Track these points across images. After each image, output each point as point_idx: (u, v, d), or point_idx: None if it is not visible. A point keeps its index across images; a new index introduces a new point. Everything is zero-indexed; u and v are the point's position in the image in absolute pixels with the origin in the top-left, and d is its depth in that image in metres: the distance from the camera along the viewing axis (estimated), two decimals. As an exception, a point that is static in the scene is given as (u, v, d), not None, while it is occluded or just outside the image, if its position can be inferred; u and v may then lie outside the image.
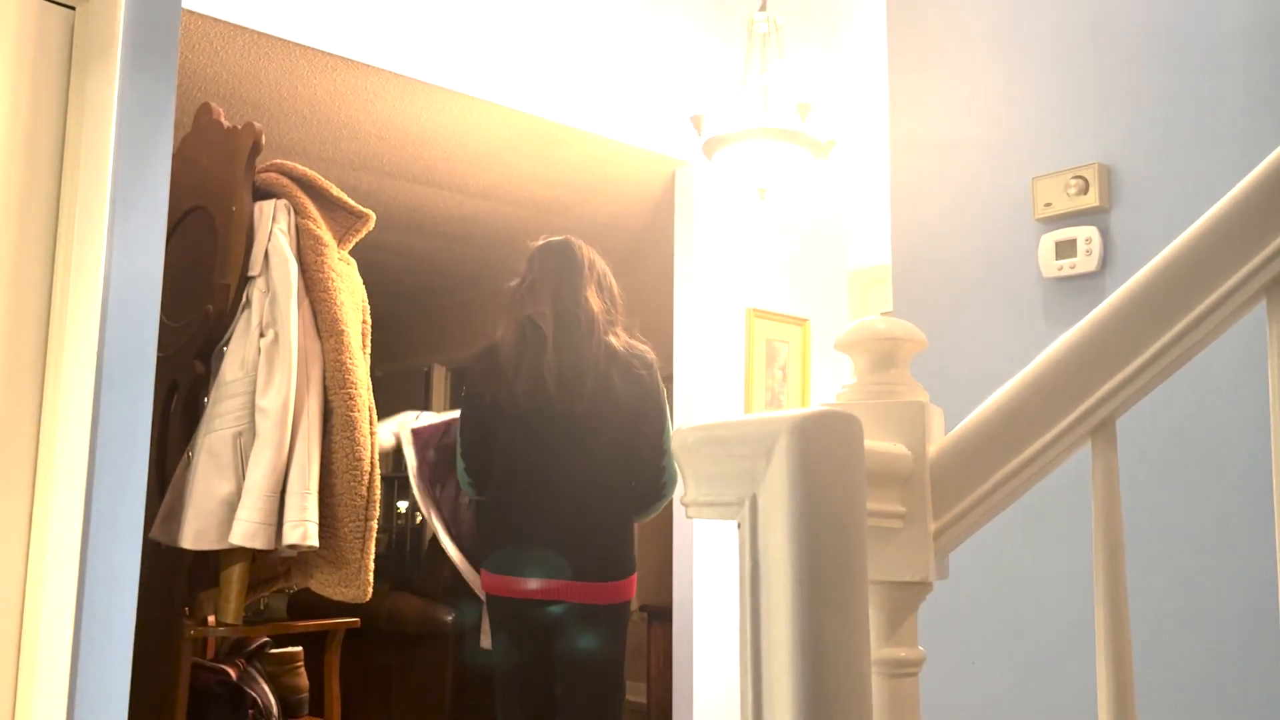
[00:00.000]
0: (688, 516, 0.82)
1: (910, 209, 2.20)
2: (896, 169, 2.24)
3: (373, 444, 2.82)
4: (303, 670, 3.24)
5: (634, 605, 3.99)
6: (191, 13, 2.92)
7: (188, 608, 2.83)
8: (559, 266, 2.72)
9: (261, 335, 2.70)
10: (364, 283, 3.01)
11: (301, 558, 2.84)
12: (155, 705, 2.68)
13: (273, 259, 2.76)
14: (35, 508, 2.21)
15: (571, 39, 3.81)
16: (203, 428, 2.69)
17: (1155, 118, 1.86)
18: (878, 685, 0.82)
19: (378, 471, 2.81)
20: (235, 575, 2.76)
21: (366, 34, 3.28)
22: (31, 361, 2.22)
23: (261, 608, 3.11)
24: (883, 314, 1.39)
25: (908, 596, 0.84)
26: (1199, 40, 1.82)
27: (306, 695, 3.21)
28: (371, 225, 2.99)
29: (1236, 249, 0.79)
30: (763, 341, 4.31)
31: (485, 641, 2.86)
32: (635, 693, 4.81)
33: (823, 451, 0.70)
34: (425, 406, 7.15)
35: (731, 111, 3.46)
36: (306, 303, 2.79)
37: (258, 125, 2.81)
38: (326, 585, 2.80)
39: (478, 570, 2.77)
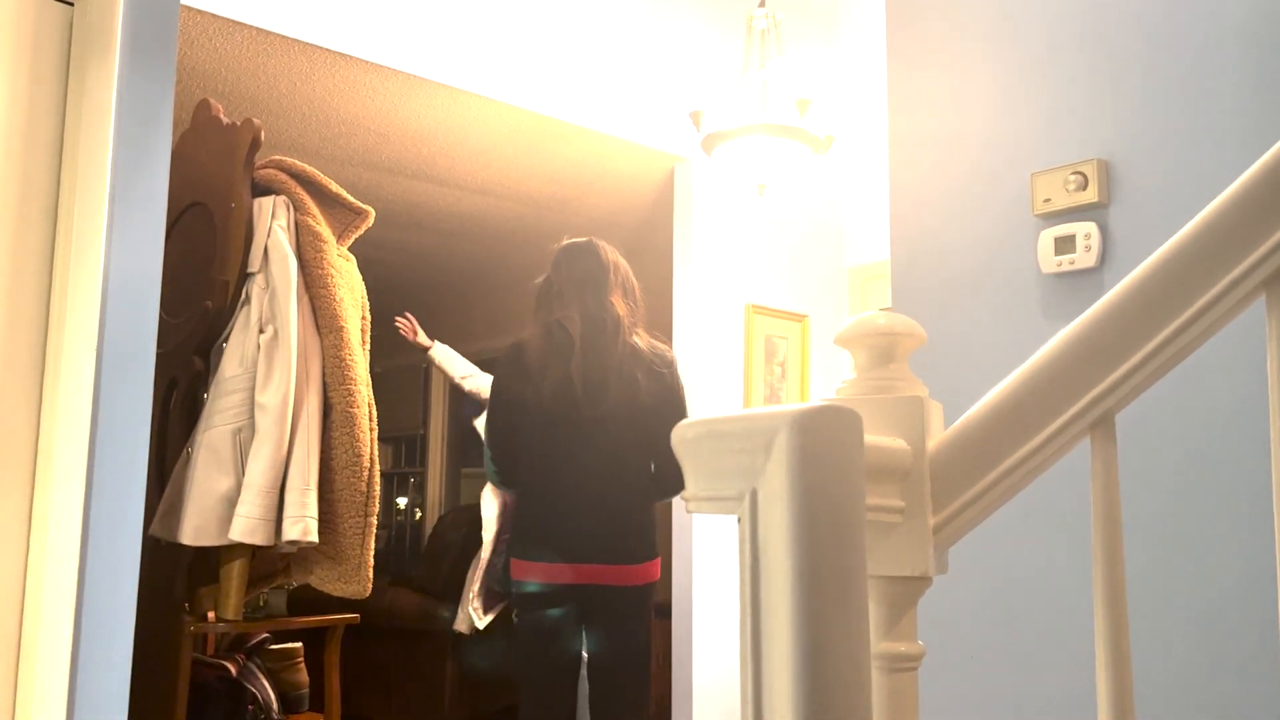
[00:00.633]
0: (688, 511, 0.82)
1: (909, 205, 2.21)
2: (896, 165, 2.24)
3: (372, 440, 2.82)
4: (303, 666, 3.25)
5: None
6: (190, 9, 2.91)
7: (188, 603, 2.83)
8: (585, 272, 2.78)
9: (261, 331, 2.70)
10: (363, 279, 3.01)
11: (301, 554, 2.84)
12: (155, 701, 2.68)
13: (272, 255, 2.76)
14: (35, 504, 2.21)
15: (570, 35, 3.81)
16: (202, 424, 2.70)
17: (1155, 113, 1.86)
18: (877, 680, 0.82)
19: (377, 467, 2.82)
20: (235, 571, 2.77)
21: (365, 30, 3.28)
22: (31, 358, 2.22)
23: (261, 604, 3.11)
24: (882, 310, 1.39)
25: (907, 591, 0.84)
26: (1198, 35, 1.82)
27: (306, 691, 3.21)
28: (371, 221, 2.99)
29: (1236, 243, 0.79)
30: (762, 337, 4.31)
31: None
32: (635, 688, 4.80)
33: (822, 446, 0.70)
34: (424, 403, 7.15)
35: (730, 107, 3.46)
36: (306, 299, 2.79)
37: (257, 121, 2.80)
38: (326, 581, 2.80)
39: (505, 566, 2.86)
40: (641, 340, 2.76)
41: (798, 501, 0.69)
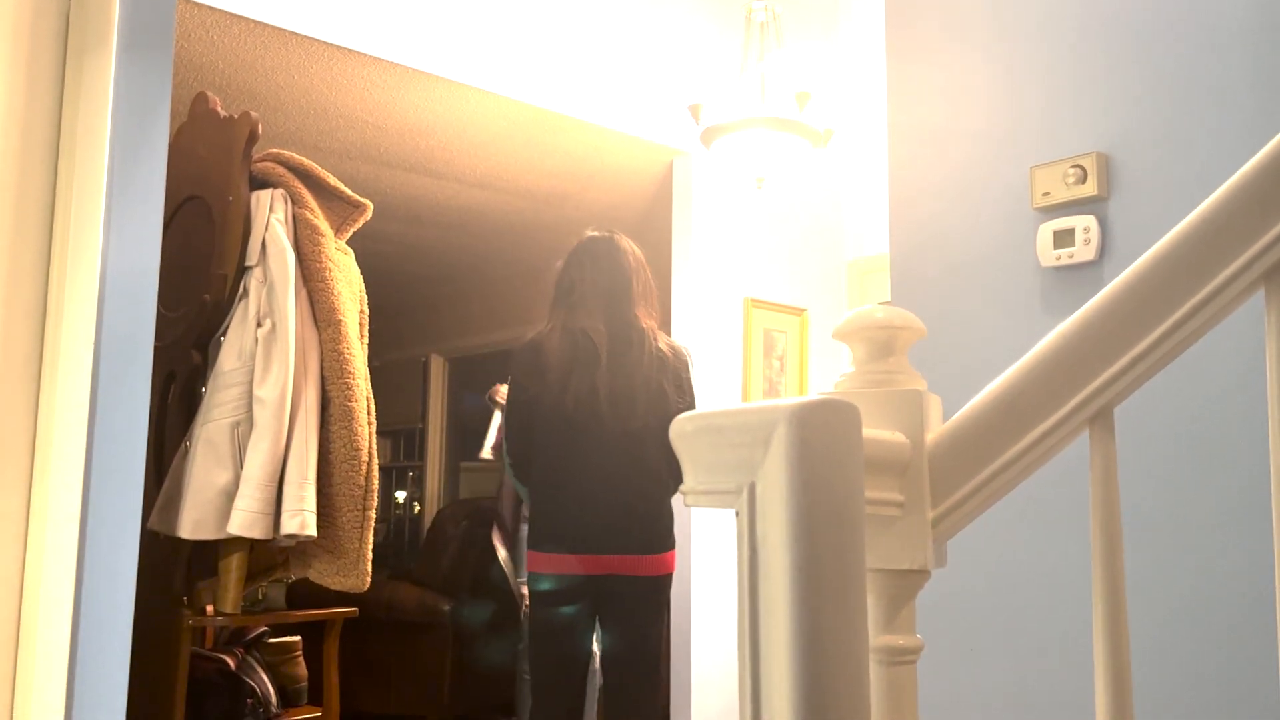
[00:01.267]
0: (686, 505, 0.82)
1: (908, 198, 2.20)
2: (895, 158, 2.24)
3: (371, 434, 2.82)
4: (301, 659, 3.25)
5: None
6: (187, 1, 2.91)
7: (186, 597, 2.83)
8: (610, 280, 2.78)
9: (259, 325, 2.70)
10: (361, 273, 3.00)
11: (300, 547, 2.84)
12: (154, 694, 2.69)
13: (270, 249, 2.76)
14: (33, 498, 2.21)
15: (569, 28, 3.80)
16: (200, 418, 2.69)
17: (1154, 107, 1.86)
18: (875, 673, 0.82)
19: (376, 461, 2.82)
20: (233, 565, 2.77)
21: (363, 23, 3.27)
22: (29, 352, 2.22)
23: (260, 597, 3.11)
24: (881, 303, 1.39)
25: (905, 584, 0.84)
26: (1198, 28, 1.82)
27: (305, 684, 3.22)
28: (369, 215, 2.98)
29: (1236, 236, 0.79)
30: (760, 331, 4.31)
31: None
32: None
33: (821, 439, 0.70)
34: (423, 397, 7.15)
35: (729, 101, 3.45)
36: (304, 292, 2.79)
37: (254, 114, 2.80)
38: (325, 575, 2.80)
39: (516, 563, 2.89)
40: (664, 343, 2.78)
41: (796, 495, 0.69)
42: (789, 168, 3.57)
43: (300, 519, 2.61)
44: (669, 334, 4.07)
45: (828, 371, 4.54)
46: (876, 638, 0.83)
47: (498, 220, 5.28)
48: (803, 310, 4.48)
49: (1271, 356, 0.79)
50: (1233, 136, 1.76)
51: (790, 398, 0.71)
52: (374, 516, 2.79)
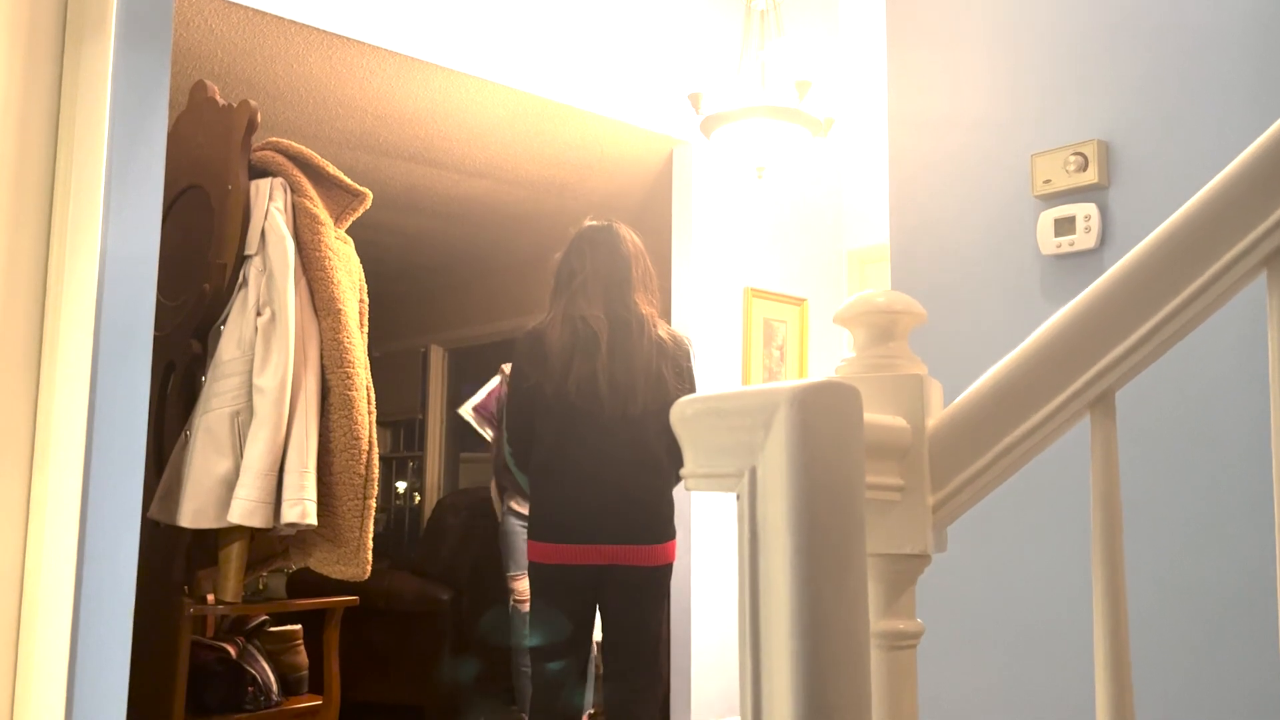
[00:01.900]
0: (686, 489, 0.82)
1: (909, 187, 2.20)
2: (895, 147, 2.23)
3: (371, 423, 2.82)
4: (302, 648, 3.25)
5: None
6: (186, -11, 2.90)
7: (187, 586, 2.83)
8: (610, 267, 2.79)
9: (258, 314, 2.70)
10: (361, 262, 3.00)
11: (300, 536, 2.84)
12: (155, 683, 2.69)
13: (269, 237, 2.75)
14: (34, 488, 2.21)
15: (569, 16, 3.79)
16: (200, 407, 2.69)
17: (1155, 94, 1.86)
18: (876, 657, 0.82)
19: (376, 450, 2.82)
20: (234, 554, 2.77)
21: (363, 12, 3.26)
22: (29, 341, 2.22)
23: (260, 586, 3.12)
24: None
25: (906, 569, 0.84)
26: (1199, 15, 1.81)
27: (306, 673, 3.22)
28: (368, 204, 2.98)
29: (1237, 221, 0.79)
30: (760, 321, 4.31)
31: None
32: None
33: (822, 423, 0.70)
34: (423, 387, 7.15)
35: (730, 89, 3.44)
36: (304, 281, 2.78)
37: (253, 103, 2.79)
38: (325, 564, 2.80)
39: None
40: (664, 330, 2.78)
41: (797, 479, 0.69)
42: (789, 157, 3.56)
43: (300, 508, 2.61)
44: (669, 323, 4.07)
45: (828, 361, 4.54)
46: (877, 622, 0.83)
47: (497, 209, 5.27)
48: (803, 300, 4.48)
49: (1272, 341, 0.79)
50: (1234, 123, 1.75)
51: (791, 381, 0.71)
52: (374, 505, 2.79)
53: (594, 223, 2.87)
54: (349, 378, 2.76)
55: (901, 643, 0.83)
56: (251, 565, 2.87)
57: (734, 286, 4.24)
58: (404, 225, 5.58)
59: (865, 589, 0.71)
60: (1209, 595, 1.69)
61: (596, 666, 3.69)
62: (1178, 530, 1.73)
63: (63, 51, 2.29)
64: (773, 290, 4.37)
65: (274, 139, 2.95)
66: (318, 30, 3.21)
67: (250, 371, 2.66)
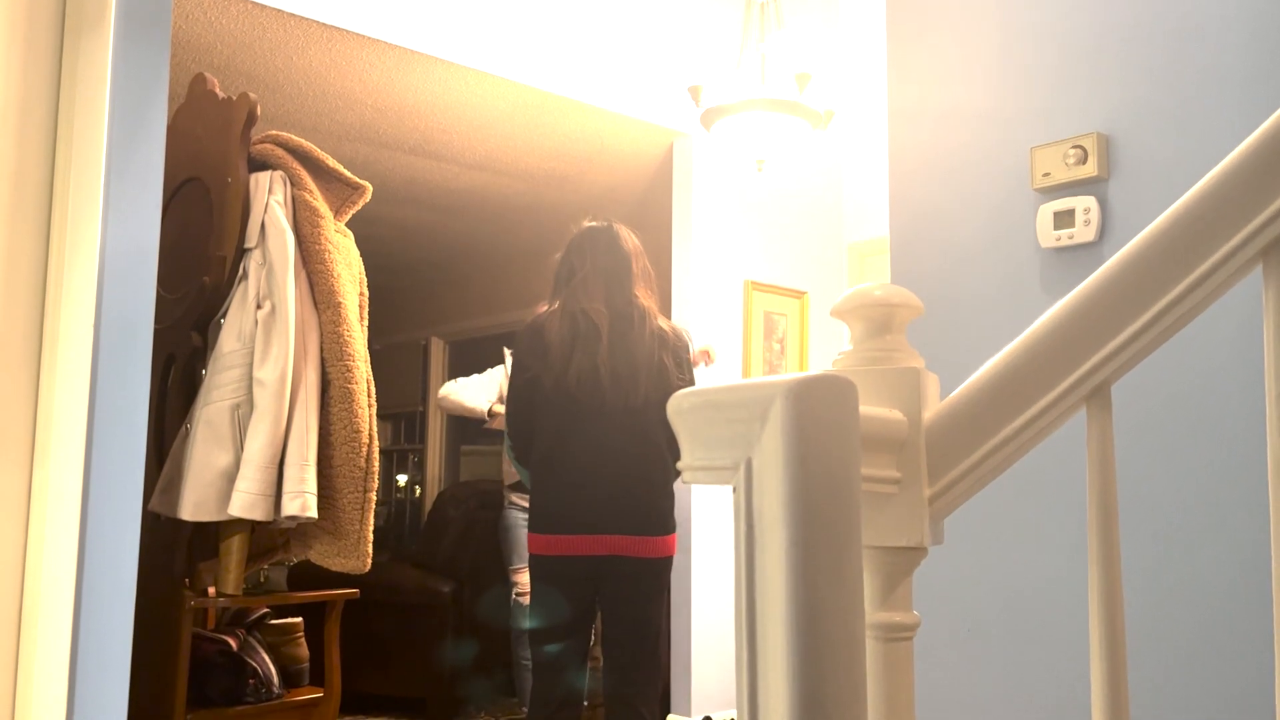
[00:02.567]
0: (683, 482, 0.82)
1: (909, 180, 2.20)
2: (895, 140, 2.23)
3: (371, 416, 2.82)
4: (303, 640, 3.26)
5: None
6: (185, -18, 2.89)
7: (188, 579, 2.84)
8: (610, 261, 2.80)
9: (259, 307, 2.70)
10: (361, 255, 3.00)
11: (301, 529, 2.85)
12: (156, 675, 2.70)
13: (269, 231, 2.75)
14: (34, 481, 2.21)
15: (569, 9, 3.78)
16: (200, 400, 2.70)
17: (1154, 87, 1.85)
18: (872, 649, 0.82)
19: (376, 443, 2.82)
20: (235, 546, 2.77)
21: (362, 4, 3.25)
22: (29, 335, 2.22)
23: (261, 579, 3.12)
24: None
25: (902, 561, 0.84)
26: (1199, 9, 1.81)
27: (307, 665, 3.23)
28: (368, 197, 2.98)
29: (1234, 213, 0.79)
30: (761, 314, 4.31)
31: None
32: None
33: (818, 416, 0.70)
34: (424, 380, 7.16)
35: (730, 82, 3.44)
36: (303, 274, 2.79)
37: (253, 96, 2.79)
38: (326, 556, 2.81)
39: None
40: (664, 324, 2.80)
41: (793, 471, 0.69)
42: (789, 149, 3.55)
43: (301, 500, 2.62)
44: (669, 317, 4.07)
45: (828, 354, 4.54)
46: (873, 614, 0.83)
47: (497, 202, 5.26)
48: (803, 293, 4.48)
49: (1269, 333, 0.79)
50: (1233, 116, 1.75)
51: (787, 374, 0.71)
52: (374, 498, 2.79)
53: (593, 223, 2.89)
54: (349, 371, 2.76)
55: (898, 635, 0.83)
56: (252, 558, 2.87)
57: (734, 279, 4.24)
58: (404, 218, 5.57)
59: (861, 581, 0.72)
60: (1206, 586, 1.69)
61: (595, 659, 3.70)
62: (1174, 522, 1.73)
63: (62, 45, 2.29)
64: (773, 283, 4.37)
65: (273, 132, 2.95)
66: (317, 23, 3.21)
67: (250, 364, 2.66)
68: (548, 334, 2.73)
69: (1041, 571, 1.88)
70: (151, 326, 2.27)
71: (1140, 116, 1.87)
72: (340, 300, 2.78)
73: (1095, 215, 1.89)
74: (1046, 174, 1.95)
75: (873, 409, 0.82)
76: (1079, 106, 1.94)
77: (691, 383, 2.83)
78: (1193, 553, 1.71)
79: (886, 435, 0.82)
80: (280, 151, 2.88)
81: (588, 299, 2.74)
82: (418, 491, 7.16)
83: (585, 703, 2.83)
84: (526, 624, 3.51)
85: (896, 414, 0.83)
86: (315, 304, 2.79)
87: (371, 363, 2.89)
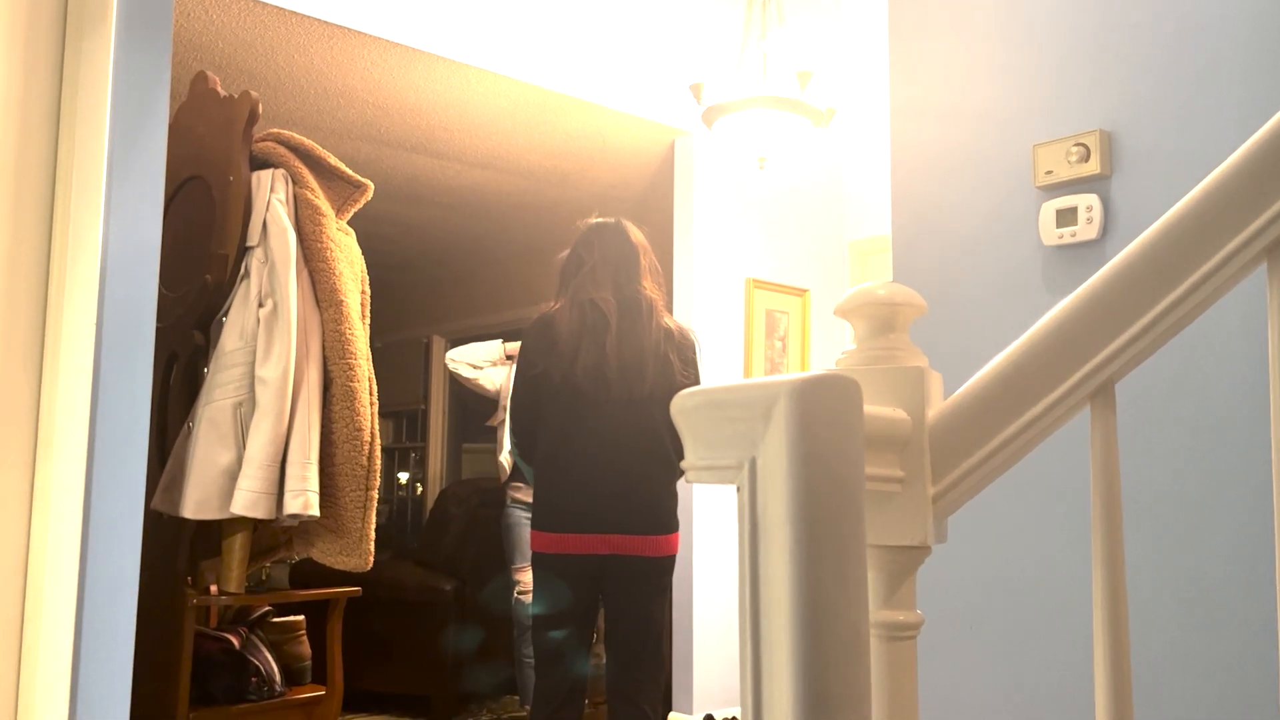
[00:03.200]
0: (687, 481, 0.82)
1: (911, 178, 2.20)
2: (897, 137, 2.23)
3: (373, 414, 2.82)
4: (305, 639, 3.26)
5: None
6: (186, -20, 2.89)
7: (190, 577, 2.84)
8: (618, 253, 2.80)
9: (260, 305, 2.70)
10: (363, 253, 3.00)
11: (303, 527, 2.85)
12: (159, 673, 2.70)
13: (271, 229, 2.75)
14: (37, 479, 2.21)
15: (571, 7, 3.78)
16: (203, 398, 2.70)
17: (1157, 84, 1.85)
18: (876, 648, 0.82)
19: (378, 441, 2.82)
20: (237, 544, 2.78)
21: (364, 2, 3.25)
22: (31, 333, 2.22)
23: (264, 577, 3.12)
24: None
25: (906, 560, 0.84)
26: (1202, 6, 1.81)
27: (309, 663, 3.23)
28: (370, 195, 2.98)
29: (1238, 212, 0.79)
30: (762, 312, 4.31)
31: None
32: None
33: (821, 415, 0.70)
34: (425, 378, 7.16)
35: (731, 80, 3.44)
36: (305, 273, 2.79)
37: (254, 94, 2.79)
38: (328, 554, 2.81)
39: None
40: (671, 321, 2.80)
41: (797, 470, 0.69)
42: (791, 147, 3.55)
43: (303, 499, 2.62)
44: (671, 315, 4.07)
45: (830, 352, 4.54)
46: (877, 613, 0.83)
47: (499, 200, 5.26)
48: (805, 291, 4.47)
49: (1272, 332, 0.79)
50: (1235, 113, 1.75)
51: (791, 373, 0.71)
52: (376, 496, 2.79)
53: (600, 219, 2.89)
54: (351, 369, 2.77)
55: (901, 633, 0.83)
56: (254, 556, 2.87)
57: (736, 277, 4.24)
58: (406, 216, 5.57)
59: (865, 580, 0.72)
60: (1209, 584, 1.69)
61: (597, 656, 3.71)
62: (1178, 520, 1.73)
63: (64, 44, 2.29)
64: (774, 281, 4.37)
65: (275, 130, 2.95)
66: (319, 21, 3.20)
67: (252, 363, 2.67)
68: (557, 326, 2.72)
69: (1045, 569, 1.88)
70: (153, 325, 2.27)
71: (1142, 114, 1.87)
72: (342, 298, 2.78)
73: (1098, 213, 1.88)
74: (1049, 171, 1.95)
75: (876, 408, 0.81)
76: (1081, 104, 1.94)
77: (697, 382, 2.82)
78: (1197, 549, 1.71)
79: (890, 434, 0.82)
80: (282, 149, 2.88)
81: (596, 289, 2.74)
82: (419, 489, 7.16)
83: (586, 700, 2.83)
84: (528, 622, 3.51)
85: (900, 413, 0.83)
86: (317, 302, 2.79)
87: (373, 360, 2.89)
